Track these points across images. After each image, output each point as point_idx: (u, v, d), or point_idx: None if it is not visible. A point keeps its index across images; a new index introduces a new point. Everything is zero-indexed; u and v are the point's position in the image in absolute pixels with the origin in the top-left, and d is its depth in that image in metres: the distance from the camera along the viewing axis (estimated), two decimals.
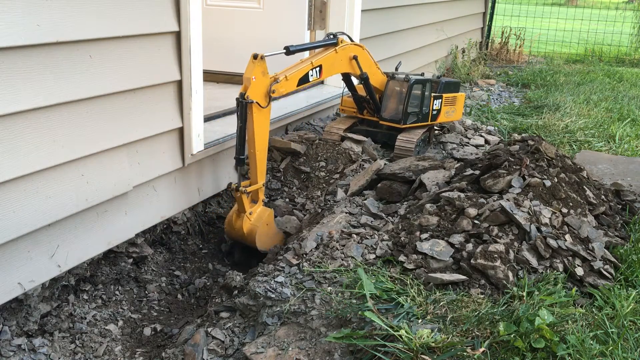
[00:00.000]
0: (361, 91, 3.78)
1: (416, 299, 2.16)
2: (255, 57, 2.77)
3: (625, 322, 2.01)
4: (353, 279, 2.30)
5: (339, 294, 2.25)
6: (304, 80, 3.09)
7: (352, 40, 3.47)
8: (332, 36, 3.34)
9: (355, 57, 3.43)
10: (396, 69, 3.95)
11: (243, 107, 2.76)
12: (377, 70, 3.68)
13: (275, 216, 3.16)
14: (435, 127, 4.09)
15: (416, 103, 3.71)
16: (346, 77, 3.67)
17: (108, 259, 2.74)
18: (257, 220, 2.97)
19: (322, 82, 4.81)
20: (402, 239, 2.56)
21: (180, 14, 2.65)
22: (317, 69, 3.17)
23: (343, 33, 3.45)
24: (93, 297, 2.65)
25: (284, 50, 3.02)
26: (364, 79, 3.55)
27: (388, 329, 1.96)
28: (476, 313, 2.03)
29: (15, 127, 2.04)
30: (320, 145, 3.66)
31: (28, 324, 2.33)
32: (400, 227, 2.66)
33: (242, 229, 2.94)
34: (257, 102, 2.78)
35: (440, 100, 3.84)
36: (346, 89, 3.94)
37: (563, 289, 2.18)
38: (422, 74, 3.94)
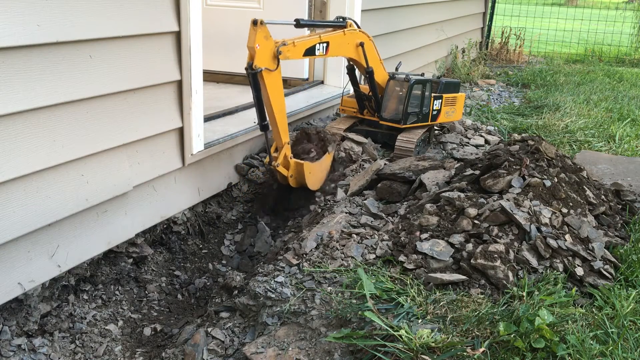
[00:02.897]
0: (362, 90, 3.78)
1: (416, 299, 2.16)
2: (255, 22, 2.72)
3: (625, 322, 2.01)
4: (353, 279, 2.30)
5: (339, 294, 2.25)
6: (310, 51, 3.10)
7: (359, 28, 3.50)
8: (341, 19, 3.37)
9: (361, 44, 3.46)
10: (396, 69, 3.95)
11: (253, 77, 2.79)
12: (381, 66, 3.68)
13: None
14: (435, 127, 4.09)
15: (416, 103, 3.71)
16: (350, 71, 3.67)
17: (108, 259, 2.74)
18: (299, 175, 3.16)
19: (322, 82, 4.81)
20: (402, 239, 2.56)
21: (180, 14, 2.65)
22: (325, 44, 3.19)
23: (351, 19, 3.47)
24: (93, 297, 2.65)
25: (294, 22, 3.04)
26: (369, 72, 3.56)
27: (388, 329, 1.96)
28: (476, 313, 2.03)
29: (16, 127, 2.04)
30: None
31: (28, 324, 2.33)
32: (400, 227, 2.66)
33: (289, 184, 3.19)
34: (266, 68, 2.78)
35: (440, 100, 3.84)
36: (346, 89, 3.94)
37: (563, 289, 2.18)
38: (422, 74, 3.93)
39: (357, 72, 3.75)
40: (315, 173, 3.30)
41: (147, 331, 2.65)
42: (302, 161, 3.20)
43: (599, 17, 11.82)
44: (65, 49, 2.16)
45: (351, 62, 3.63)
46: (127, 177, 2.56)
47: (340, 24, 3.36)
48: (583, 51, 10.06)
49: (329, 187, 3.36)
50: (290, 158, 3.13)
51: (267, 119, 2.96)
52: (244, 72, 2.83)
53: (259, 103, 2.88)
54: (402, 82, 3.67)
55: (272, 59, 2.82)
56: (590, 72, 7.88)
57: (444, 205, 2.65)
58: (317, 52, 3.15)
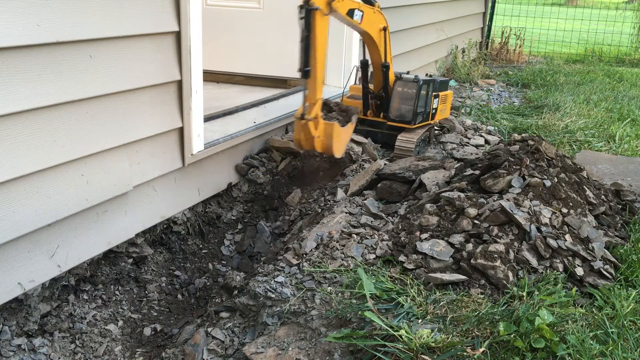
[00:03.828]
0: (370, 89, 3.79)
1: (416, 299, 2.16)
2: None
3: (625, 322, 2.01)
4: (353, 279, 2.30)
5: (339, 294, 2.25)
6: (350, 13, 3.19)
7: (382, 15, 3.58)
8: None
9: (384, 29, 3.53)
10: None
11: (308, 14, 2.80)
12: (391, 64, 3.71)
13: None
14: (435, 127, 4.09)
15: (422, 103, 3.75)
16: (363, 67, 3.67)
17: (108, 259, 2.74)
18: (326, 137, 3.06)
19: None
20: (402, 239, 2.56)
21: (180, 14, 2.65)
22: (361, 13, 3.29)
23: (377, 1, 3.54)
24: (93, 297, 2.65)
25: None
26: (385, 66, 3.60)
27: (388, 329, 1.96)
28: (476, 313, 2.03)
29: (16, 127, 2.04)
30: None
31: (28, 324, 2.33)
32: (400, 227, 2.66)
33: (314, 148, 3.08)
34: (320, 9, 2.82)
35: (437, 99, 3.87)
36: (346, 90, 3.93)
37: (563, 289, 2.18)
38: (408, 72, 3.94)
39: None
40: (341, 138, 3.23)
41: (147, 331, 2.65)
42: (332, 122, 3.11)
43: (599, 17, 11.82)
44: (65, 49, 2.16)
45: (367, 48, 3.62)
46: (127, 177, 2.57)
47: (370, 1, 3.44)
48: (583, 51, 10.06)
49: (329, 186, 3.36)
50: (321, 118, 3.05)
51: (310, 66, 2.91)
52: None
53: (307, 46, 2.86)
54: (411, 82, 3.70)
55: (327, 4, 2.89)
56: (590, 72, 7.88)
57: (444, 205, 2.65)
58: (354, 17, 3.22)
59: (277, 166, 3.58)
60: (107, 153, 2.44)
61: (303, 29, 2.83)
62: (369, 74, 3.81)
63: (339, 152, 3.23)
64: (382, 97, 3.75)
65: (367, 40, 3.57)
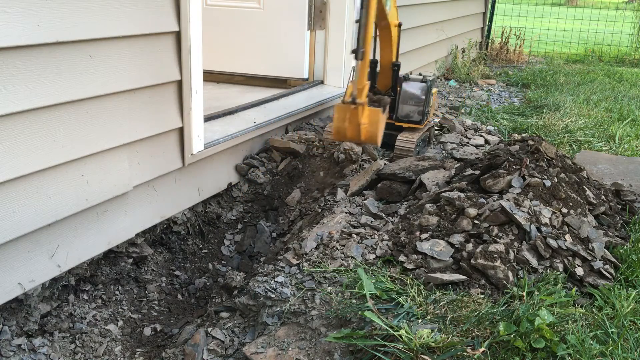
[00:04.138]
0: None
1: (416, 299, 2.16)
2: None
3: (625, 322, 2.01)
4: (353, 279, 2.30)
5: (339, 294, 2.25)
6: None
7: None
8: None
9: (400, 25, 3.57)
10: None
11: None
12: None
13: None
14: (435, 127, 4.09)
15: (427, 103, 3.78)
16: (373, 66, 3.67)
17: (108, 259, 2.74)
18: (372, 124, 2.91)
19: (321, 82, 4.80)
20: (402, 239, 2.56)
21: (180, 14, 2.65)
22: (390, 3, 3.32)
23: None
24: (93, 297, 2.65)
25: None
26: (397, 65, 3.61)
27: (388, 329, 1.96)
28: (476, 313, 2.03)
29: (16, 127, 2.04)
30: (320, 145, 3.67)
31: (28, 324, 2.33)
32: (400, 227, 2.66)
33: (357, 138, 2.91)
34: None
35: (432, 97, 3.91)
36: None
37: (563, 289, 2.18)
38: (423, 75, 3.96)
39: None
40: (382, 127, 3.12)
41: (147, 331, 2.65)
42: (377, 108, 2.96)
43: (599, 17, 11.82)
44: (65, 49, 2.16)
45: (381, 45, 3.62)
46: (127, 177, 2.57)
47: None
48: (583, 51, 10.06)
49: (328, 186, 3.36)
50: (367, 104, 2.90)
51: (364, 47, 2.82)
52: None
53: (365, 23, 2.80)
54: (418, 82, 3.72)
55: None
56: (590, 72, 7.88)
57: (444, 205, 2.65)
58: (386, 6, 3.26)
59: (277, 166, 3.58)
60: (107, 153, 2.44)
61: (360, 7, 2.79)
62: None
63: (379, 140, 3.07)
64: (391, 97, 3.76)
65: (384, 36, 3.55)
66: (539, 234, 2.39)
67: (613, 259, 2.45)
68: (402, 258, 2.44)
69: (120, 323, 2.64)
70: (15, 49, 1.98)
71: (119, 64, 2.40)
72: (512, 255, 2.32)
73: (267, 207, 3.49)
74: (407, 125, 3.77)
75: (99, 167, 2.41)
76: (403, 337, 1.89)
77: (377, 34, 3.59)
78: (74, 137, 2.27)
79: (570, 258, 2.36)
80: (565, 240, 2.40)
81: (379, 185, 3.14)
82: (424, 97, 3.69)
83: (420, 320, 2.03)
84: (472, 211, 2.52)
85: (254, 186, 3.49)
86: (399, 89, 3.71)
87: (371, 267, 2.41)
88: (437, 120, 4.36)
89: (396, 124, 3.77)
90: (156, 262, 2.98)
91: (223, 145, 3.19)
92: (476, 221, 2.49)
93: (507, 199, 2.54)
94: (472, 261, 2.30)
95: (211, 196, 3.29)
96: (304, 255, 2.53)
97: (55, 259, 2.31)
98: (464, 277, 2.28)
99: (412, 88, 3.72)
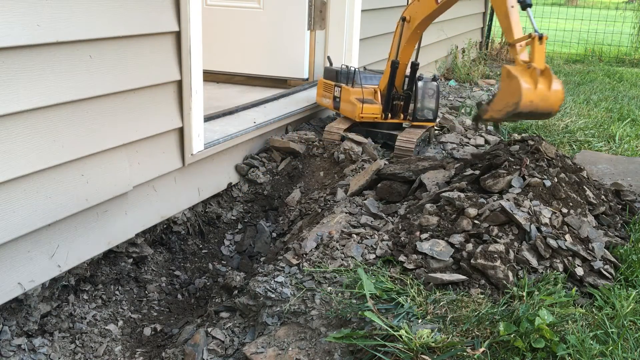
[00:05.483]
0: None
1: (416, 299, 2.17)
2: None
3: (625, 322, 2.01)
4: (353, 279, 2.30)
5: (339, 294, 2.25)
6: None
7: None
8: None
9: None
10: (329, 60, 4.06)
11: None
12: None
13: None
14: (435, 127, 4.09)
15: (438, 101, 3.88)
16: (393, 68, 3.69)
17: (108, 259, 2.74)
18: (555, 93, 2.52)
19: None
20: (402, 239, 2.56)
21: (180, 14, 2.65)
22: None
23: None
24: (93, 297, 2.65)
25: None
26: (416, 64, 3.68)
27: (388, 329, 1.96)
28: (476, 313, 2.03)
29: (16, 127, 2.04)
30: (320, 145, 3.67)
31: (28, 324, 2.33)
32: (400, 227, 2.66)
33: (551, 108, 2.51)
34: None
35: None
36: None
37: (563, 289, 2.18)
38: (434, 75, 4.00)
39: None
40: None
41: (147, 331, 2.65)
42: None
43: (599, 17, 11.80)
44: (65, 49, 2.16)
45: (407, 43, 3.64)
46: (127, 177, 2.57)
47: None
48: (583, 51, 10.05)
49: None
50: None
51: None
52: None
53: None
54: (430, 81, 3.78)
55: None
56: (590, 72, 7.88)
57: (444, 205, 2.65)
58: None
59: (277, 166, 3.58)
60: (107, 153, 2.45)
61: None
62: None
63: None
64: (408, 98, 3.78)
65: (416, 35, 3.59)
66: (539, 234, 2.39)
67: (613, 259, 2.45)
68: (402, 258, 2.44)
69: (120, 323, 2.64)
70: (15, 49, 1.98)
71: (119, 64, 2.40)
72: (512, 255, 2.32)
73: (267, 207, 3.49)
74: (422, 124, 3.84)
75: (99, 167, 2.41)
76: (403, 337, 1.89)
77: (402, 33, 3.63)
78: (74, 137, 2.27)
79: (570, 258, 2.36)
80: (565, 240, 2.40)
81: (379, 185, 3.14)
82: (435, 95, 3.78)
83: (420, 320, 2.03)
84: (472, 211, 2.52)
85: (254, 186, 3.49)
86: (414, 88, 3.75)
87: (371, 267, 2.41)
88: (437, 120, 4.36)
89: (413, 123, 3.81)
90: (156, 262, 2.98)
91: (223, 145, 3.19)
92: (476, 221, 2.49)
93: (507, 199, 2.54)
94: (472, 261, 2.30)
95: (211, 196, 3.29)
96: (304, 255, 2.53)
97: (55, 259, 2.31)
98: (464, 277, 2.28)
99: (429, 87, 3.78)
